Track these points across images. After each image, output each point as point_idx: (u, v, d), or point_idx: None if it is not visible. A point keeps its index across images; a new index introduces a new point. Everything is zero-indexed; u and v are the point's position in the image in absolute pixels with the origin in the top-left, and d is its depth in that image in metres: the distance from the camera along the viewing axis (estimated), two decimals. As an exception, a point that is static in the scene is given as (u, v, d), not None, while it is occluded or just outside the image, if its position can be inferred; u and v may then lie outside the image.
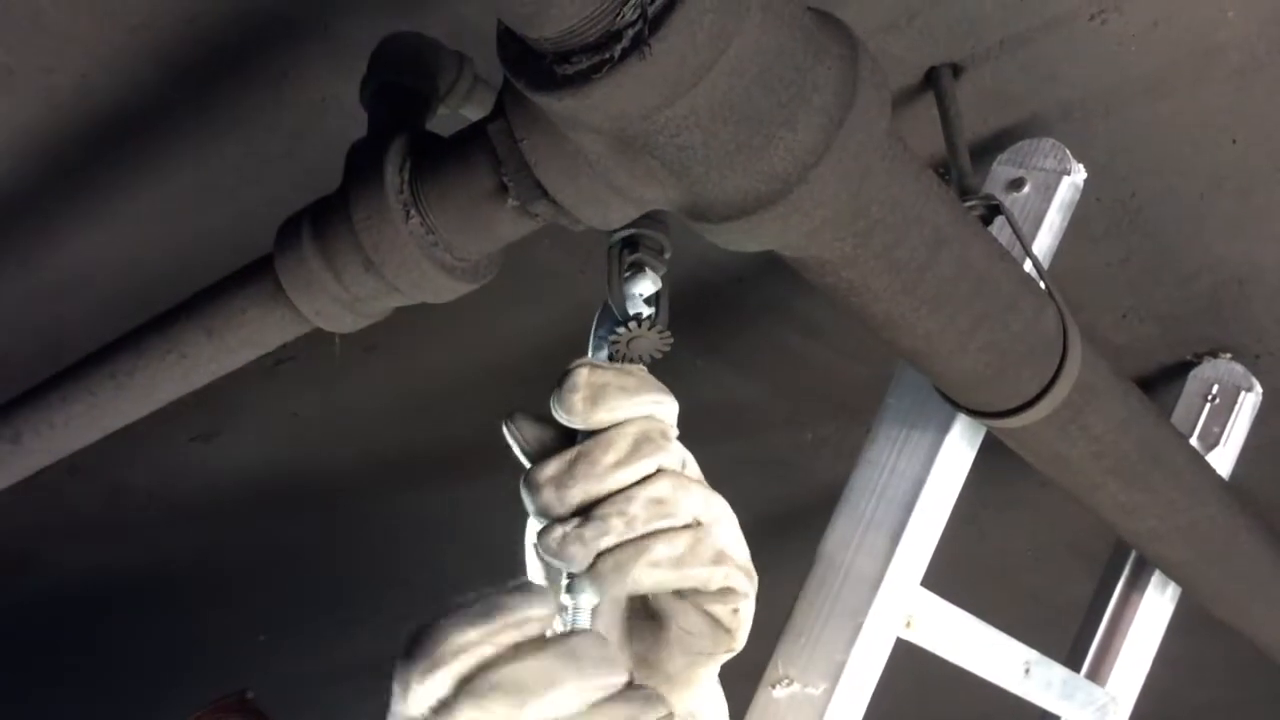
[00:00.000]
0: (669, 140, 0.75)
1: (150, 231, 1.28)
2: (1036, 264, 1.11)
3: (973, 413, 1.12)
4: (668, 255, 1.12)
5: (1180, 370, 1.73)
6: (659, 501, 0.84)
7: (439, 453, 1.72)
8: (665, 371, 1.72)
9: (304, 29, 1.13)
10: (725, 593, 0.89)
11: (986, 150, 1.32)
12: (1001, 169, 1.28)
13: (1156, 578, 1.62)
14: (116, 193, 1.24)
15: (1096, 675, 1.62)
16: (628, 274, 1.12)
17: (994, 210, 1.14)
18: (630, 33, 0.70)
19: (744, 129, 0.76)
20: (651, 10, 0.69)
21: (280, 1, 1.10)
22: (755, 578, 0.93)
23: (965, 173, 1.17)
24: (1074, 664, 1.62)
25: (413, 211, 0.87)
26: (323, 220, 0.91)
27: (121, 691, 2.35)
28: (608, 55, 0.70)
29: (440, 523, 1.84)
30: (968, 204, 1.14)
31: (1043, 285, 1.10)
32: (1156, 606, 1.64)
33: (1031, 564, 2.15)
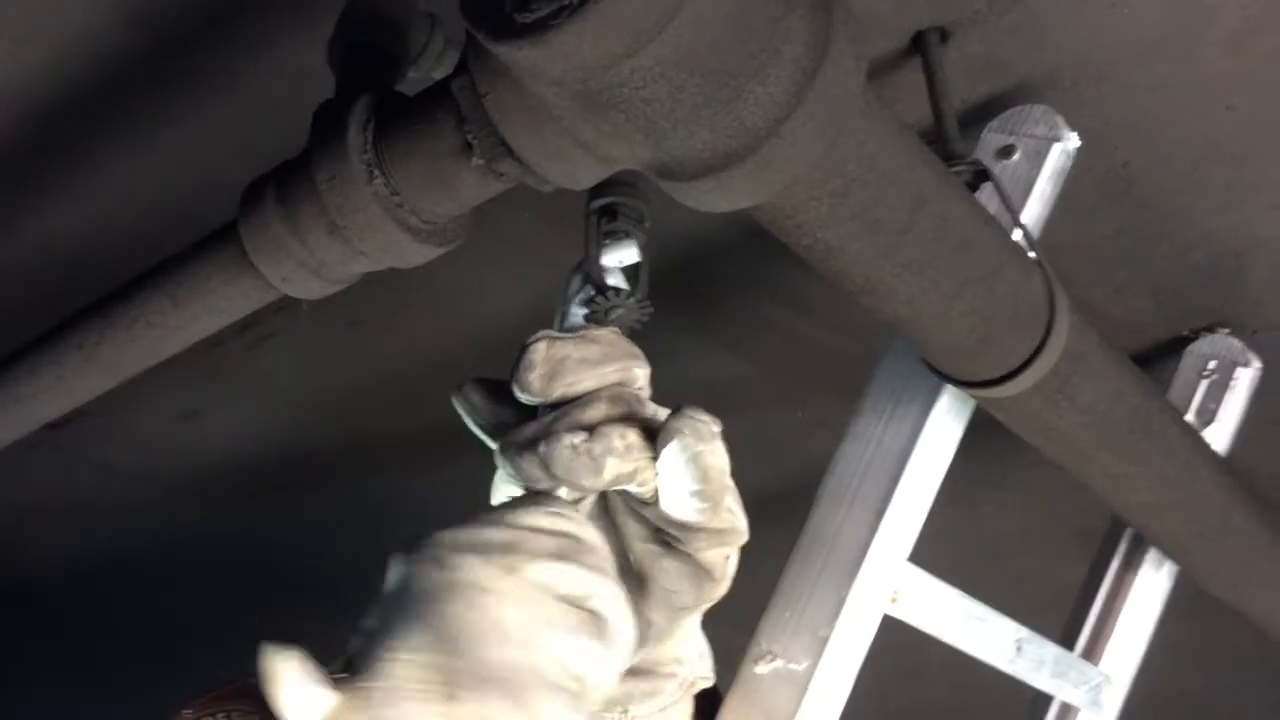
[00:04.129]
0: (634, 93, 0.73)
1: (123, 201, 1.26)
2: (1024, 230, 1.08)
3: (959, 382, 1.10)
4: (648, 224, 1.10)
5: (1178, 345, 1.71)
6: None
7: (426, 431, 1.69)
8: (650, 350, 1.70)
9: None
10: (723, 534, 0.89)
11: (977, 118, 1.29)
12: (991, 136, 1.26)
13: (1153, 555, 1.60)
14: (90, 162, 1.22)
15: (1091, 654, 1.59)
16: (606, 242, 1.10)
17: (981, 176, 1.12)
18: (588, -18, 0.67)
19: (711, 81, 0.74)
20: (611, -46, 0.67)
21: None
22: (746, 529, 0.94)
23: (952, 138, 1.14)
24: (1068, 643, 1.60)
25: (376, 172, 0.85)
26: (287, 183, 0.89)
27: (115, 676, 2.34)
28: (567, 2, 0.68)
29: (429, 502, 1.83)
30: (953, 169, 1.11)
31: (1030, 252, 1.08)
32: (1153, 584, 1.61)
33: (1029, 544, 2.13)
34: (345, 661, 0.81)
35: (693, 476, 0.88)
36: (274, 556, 1.98)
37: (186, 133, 1.20)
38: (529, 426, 0.93)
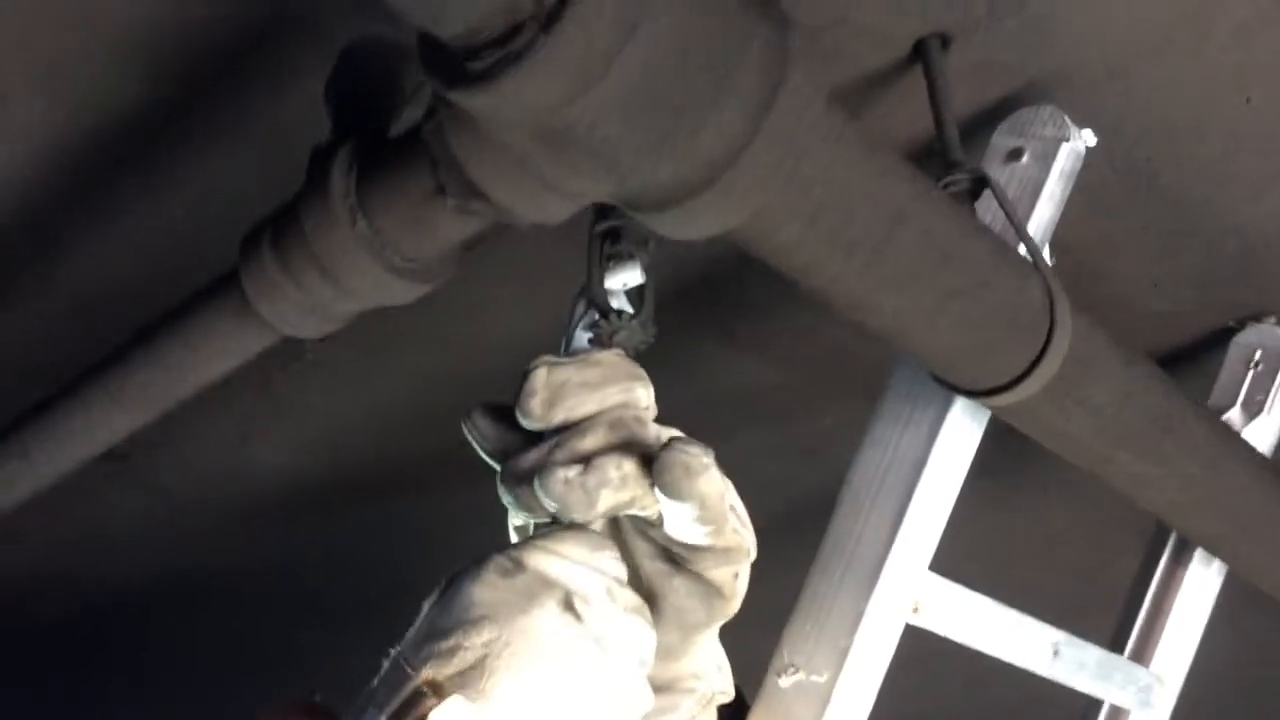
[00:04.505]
0: (590, 131, 0.75)
1: (147, 248, 1.30)
2: (1023, 235, 1.08)
3: (964, 391, 1.10)
4: (652, 245, 1.11)
5: (1224, 337, 1.68)
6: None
7: (465, 451, 1.73)
8: (676, 359, 1.72)
9: (298, 31, 1.14)
10: (730, 553, 0.89)
11: (988, 121, 1.28)
12: (1000, 139, 1.25)
13: (1200, 552, 1.57)
14: (117, 209, 1.27)
15: (1141, 656, 1.57)
16: (610, 265, 1.12)
17: (980, 183, 1.11)
18: (533, 25, 0.69)
19: (665, 116, 0.75)
20: (549, 1, 0.68)
21: (274, 5, 1.11)
22: (754, 546, 0.95)
23: (951, 146, 1.14)
24: (1118, 645, 1.58)
25: (359, 216, 0.88)
26: (280, 229, 0.93)
27: (179, 697, 2.41)
28: (511, 49, 0.70)
29: (469, 520, 1.86)
30: (952, 178, 1.11)
31: (1031, 257, 1.08)
32: (1202, 582, 1.59)
33: (1078, 546, 2.10)
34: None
35: (691, 506, 0.89)
36: (334, 575, 2.03)
37: (207, 179, 1.25)
38: (529, 455, 0.95)
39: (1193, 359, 1.72)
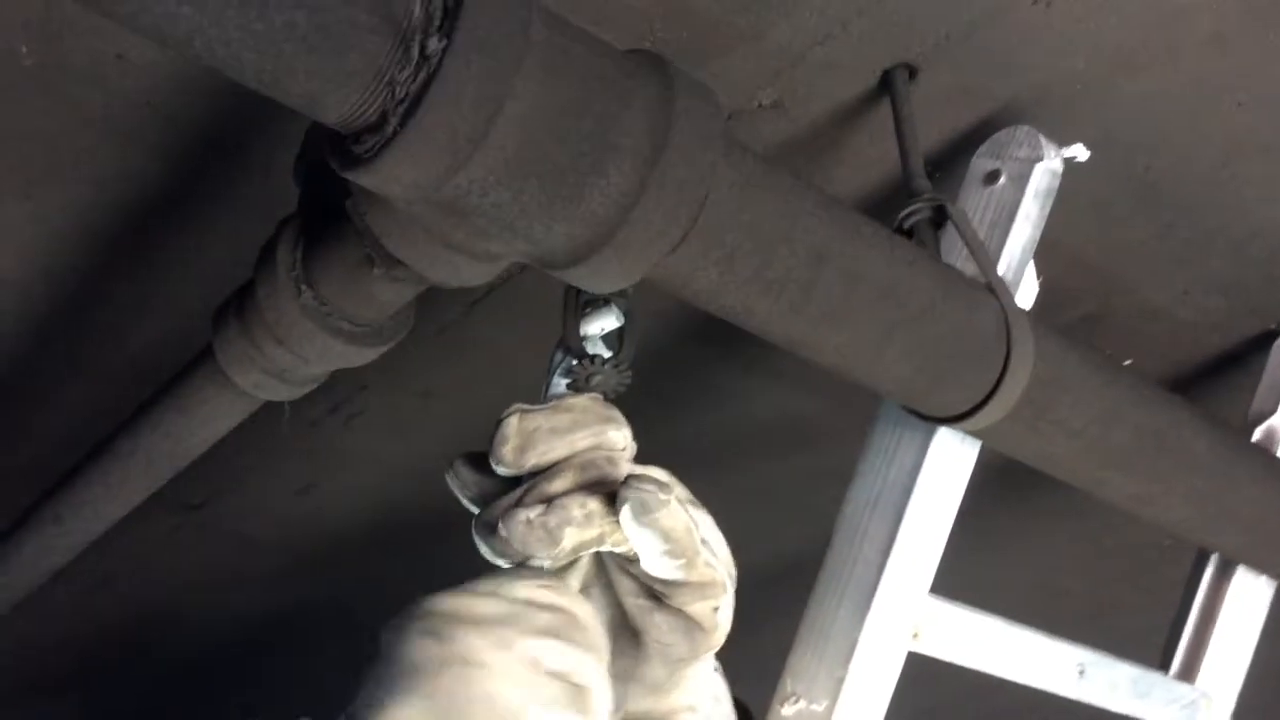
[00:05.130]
0: (480, 200, 0.79)
1: (163, 323, 1.39)
2: (980, 260, 1.08)
3: (930, 418, 1.10)
4: (630, 290, 1.14)
5: (1265, 341, 1.63)
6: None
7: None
8: (708, 393, 1.74)
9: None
10: (705, 587, 0.91)
11: (969, 146, 1.28)
12: (979, 162, 1.25)
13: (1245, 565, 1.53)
14: (128, 290, 1.36)
15: (1188, 673, 1.53)
16: (586, 311, 1.15)
17: (942, 211, 1.12)
18: (400, 109, 0.74)
19: (549, 182, 0.79)
20: (413, 88, 0.73)
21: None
22: (734, 576, 0.95)
23: (914, 174, 1.15)
24: (1165, 664, 1.54)
25: (304, 287, 0.93)
26: (242, 301, 0.99)
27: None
28: (382, 135, 0.74)
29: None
30: (913, 207, 1.12)
31: (989, 284, 1.08)
32: (1250, 594, 1.54)
33: (1115, 568, 2.05)
34: None
35: (656, 540, 0.91)
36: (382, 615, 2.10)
37: (219, 255, 1.32)
38: (501, 502, 0.99)
39: (1238, 364, 1.67)
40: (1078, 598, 2.04)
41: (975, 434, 1.12)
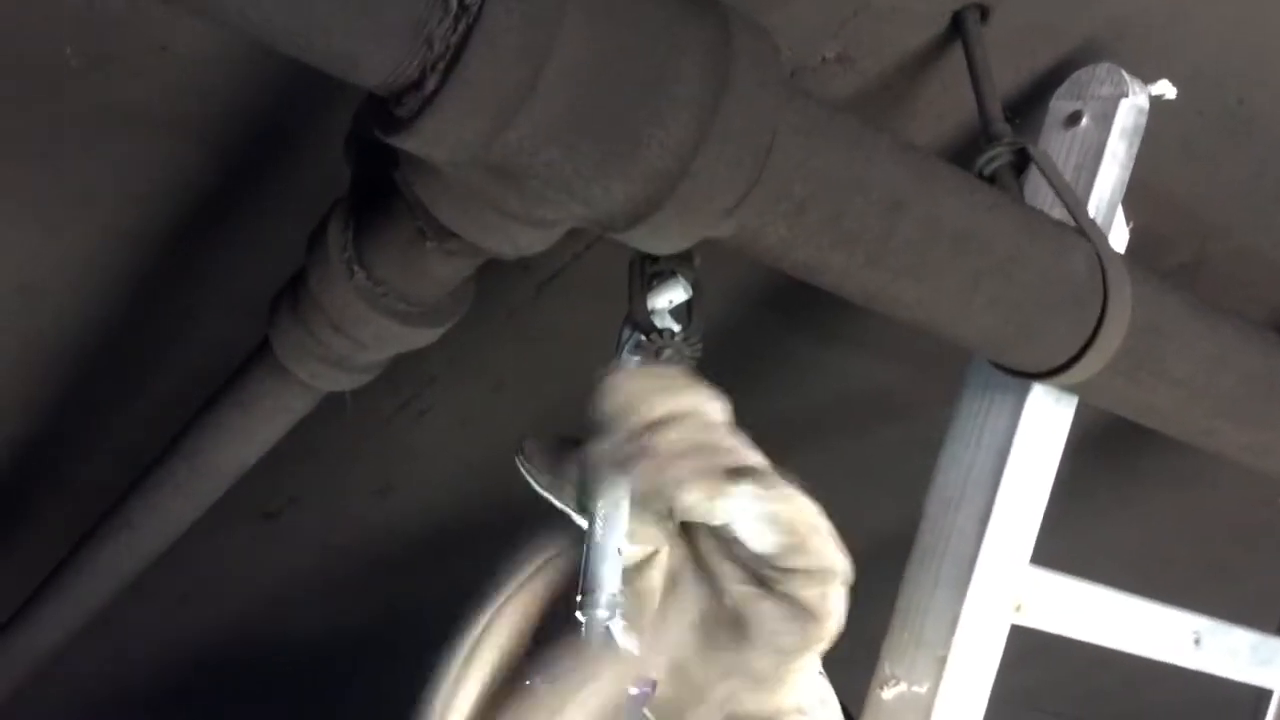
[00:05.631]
0: (531, 160, 0.74)
1: (224, 321, 1.36)
2: (1069, 202, 1.01)
3: (1024, 374, 1.04)
4: (698, 260, 1.09)
5: (1375, 283, 1.54)
6: None
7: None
8: (785, 367, 1.68)
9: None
10: (818, 574, 0.87)
11: (1047, 88, 1.22)
12: (1059, 104, 1.18)
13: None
14: (187, 289, 1.34)
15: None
16: (653, 284, 1.10)
17: (1023, 155, 1.05)
18: (440, 65, 0.69)
19: (604, 136, 0.74)
20: (453, 41, 0.68)
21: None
22: (847, 566, 0.90)
23: (992, 118, 1.08)
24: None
25: (356, 268, 0.89)
26: (296, 289, 0.95)
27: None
28: (424, 93, 0.70)
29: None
30: (992, 152, 1.06)
31: (1081, 226, 1.01)
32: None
33: (1218, 534, 1.96)
34: None
35: (772, 521, 0.86)
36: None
37: (275, 247, 1.29)
38: (592, 450, 0.93)
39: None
40: (1187, 564, 1.95)
41: (1072, 390, 1.05)
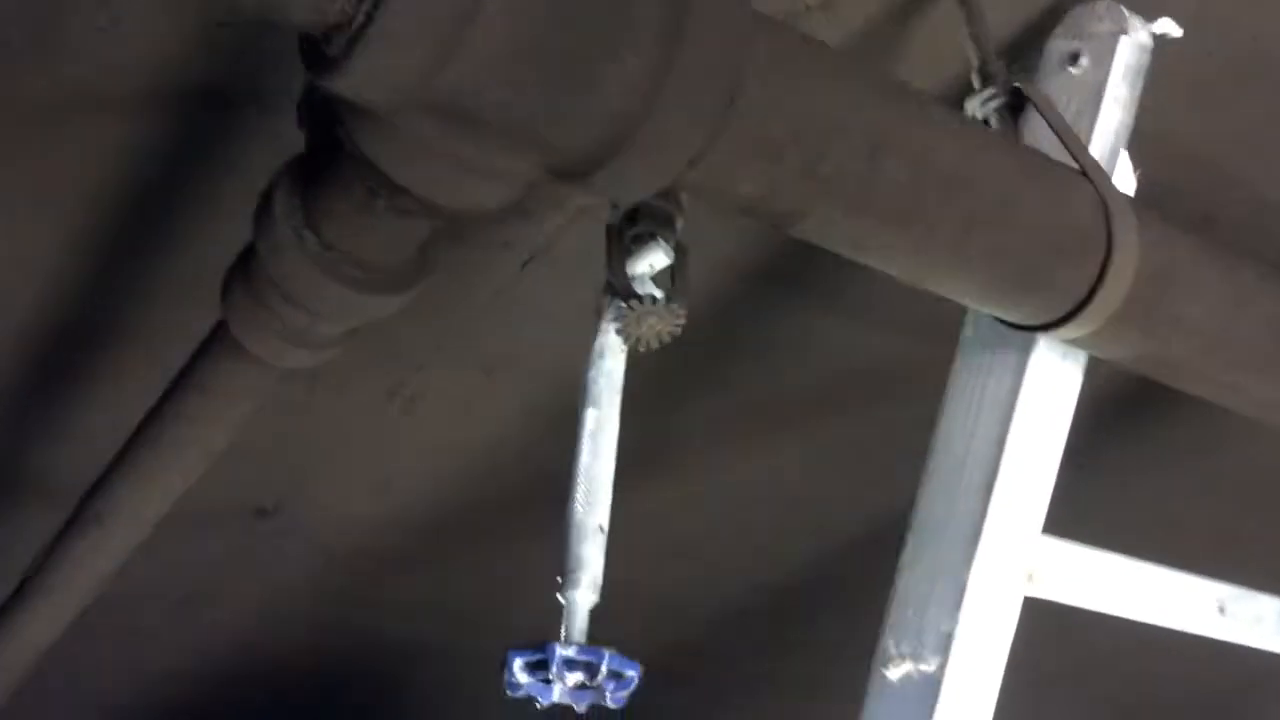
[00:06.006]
0: (479, 99, 0.69)
1: (180, 307, 1.31)
2: (1069, 143, 0.95)
3: (1026, 328, 0.97)
4: (680, 223, 1.04)
5: None
6: None
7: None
8: (782, 337, 1.61)
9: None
10: None
11: (1047, 29, 1.15)
12: (1056, 44, 1.12)
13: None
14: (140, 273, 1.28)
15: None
16: (632, 248, 1.05)
17: (1019, 94, 0.99)
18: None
19: (555, 71, 0.68)
20: (379, -31, 0.63)
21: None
22: None
23: (985, 59, 1.02)
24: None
25: (306, 233, 0.83)
26: (246, 263, 0.90)
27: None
28: (352, 27, 0.64)
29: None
30: (987, 93, 1.00)
31: (1082, 167, 0.95)
32: None
33: (1241, 502, 1.89)
34: None
35: None
36: (464, 614, 2.02)
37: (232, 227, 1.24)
38: None
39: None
40: (1208, 534, 1.88)
41: (1079, 343, 0.99)
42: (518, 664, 0.89)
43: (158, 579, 1.87)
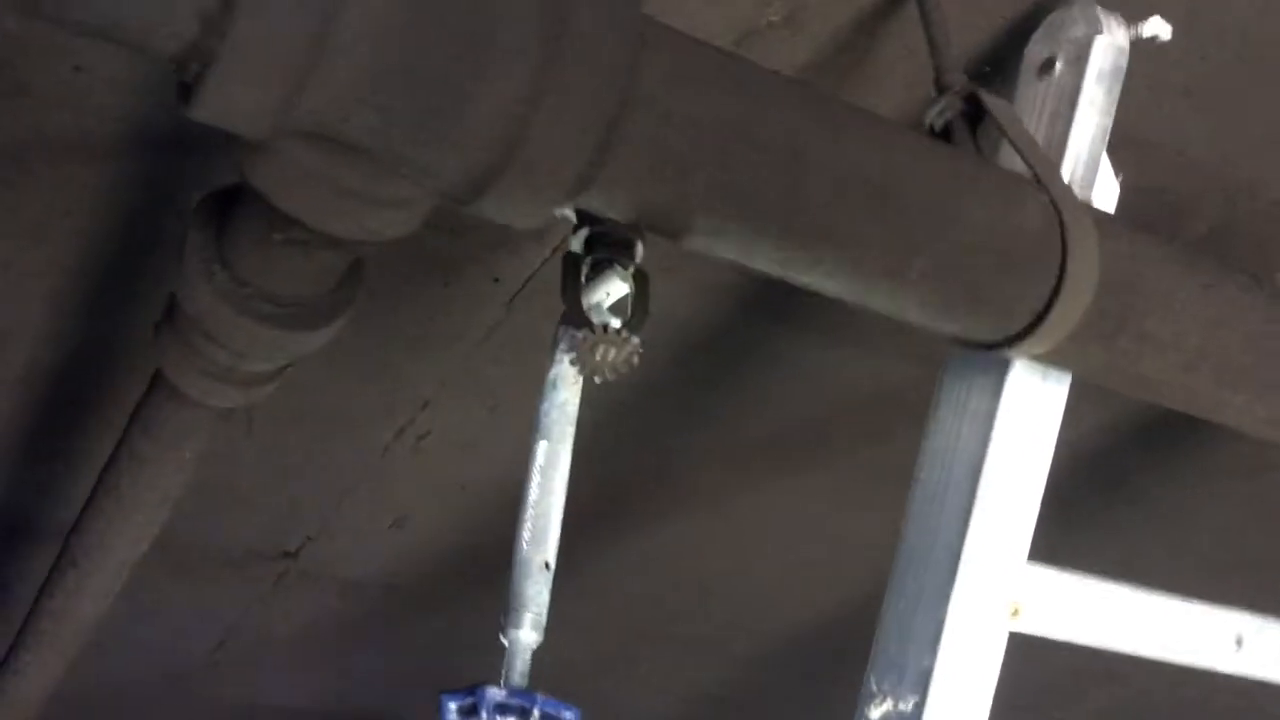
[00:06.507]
0: (348, 126, 0.67)
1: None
2: (1020, 145, 0.90)
3: (986, 345, 0.92)
4: (639, 250, 1.00)
5: None
6: None
7: (595, 497, 1.65)
8: (782, 365, 1.55)
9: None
10: None
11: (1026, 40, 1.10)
12: (1032, 51, 1.07)
13: None
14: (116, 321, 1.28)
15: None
16: (589, 275, 1.02)
17: (974, 101, 0.94)
18: (216, 22, 0.62)
19: (423, 95, 0.66)
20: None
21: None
22: None
23: (945, 68, 0.98)
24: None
25: (216, 268, 0.82)
26: (171, 300, 0.89)
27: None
28: (204, 54, 0.63)
29: (599, 570, 1.79)
30: (941, 102, 0.95)
31: (1038, 178, 0.90)
32: None
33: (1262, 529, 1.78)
34: None
35: None
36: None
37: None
38: None
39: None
40: (1226, 563, 1.78)
41: (1048, 359, 0.94)
42: (451, 707, 0.86)
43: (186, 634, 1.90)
